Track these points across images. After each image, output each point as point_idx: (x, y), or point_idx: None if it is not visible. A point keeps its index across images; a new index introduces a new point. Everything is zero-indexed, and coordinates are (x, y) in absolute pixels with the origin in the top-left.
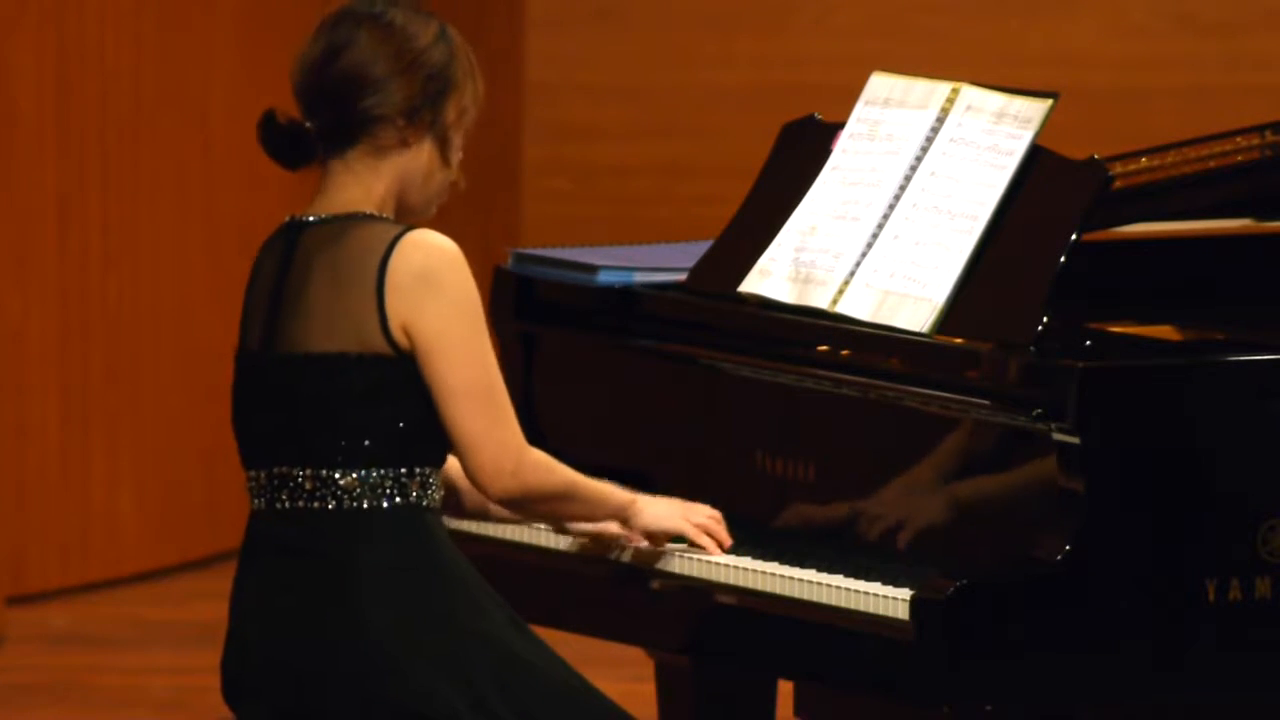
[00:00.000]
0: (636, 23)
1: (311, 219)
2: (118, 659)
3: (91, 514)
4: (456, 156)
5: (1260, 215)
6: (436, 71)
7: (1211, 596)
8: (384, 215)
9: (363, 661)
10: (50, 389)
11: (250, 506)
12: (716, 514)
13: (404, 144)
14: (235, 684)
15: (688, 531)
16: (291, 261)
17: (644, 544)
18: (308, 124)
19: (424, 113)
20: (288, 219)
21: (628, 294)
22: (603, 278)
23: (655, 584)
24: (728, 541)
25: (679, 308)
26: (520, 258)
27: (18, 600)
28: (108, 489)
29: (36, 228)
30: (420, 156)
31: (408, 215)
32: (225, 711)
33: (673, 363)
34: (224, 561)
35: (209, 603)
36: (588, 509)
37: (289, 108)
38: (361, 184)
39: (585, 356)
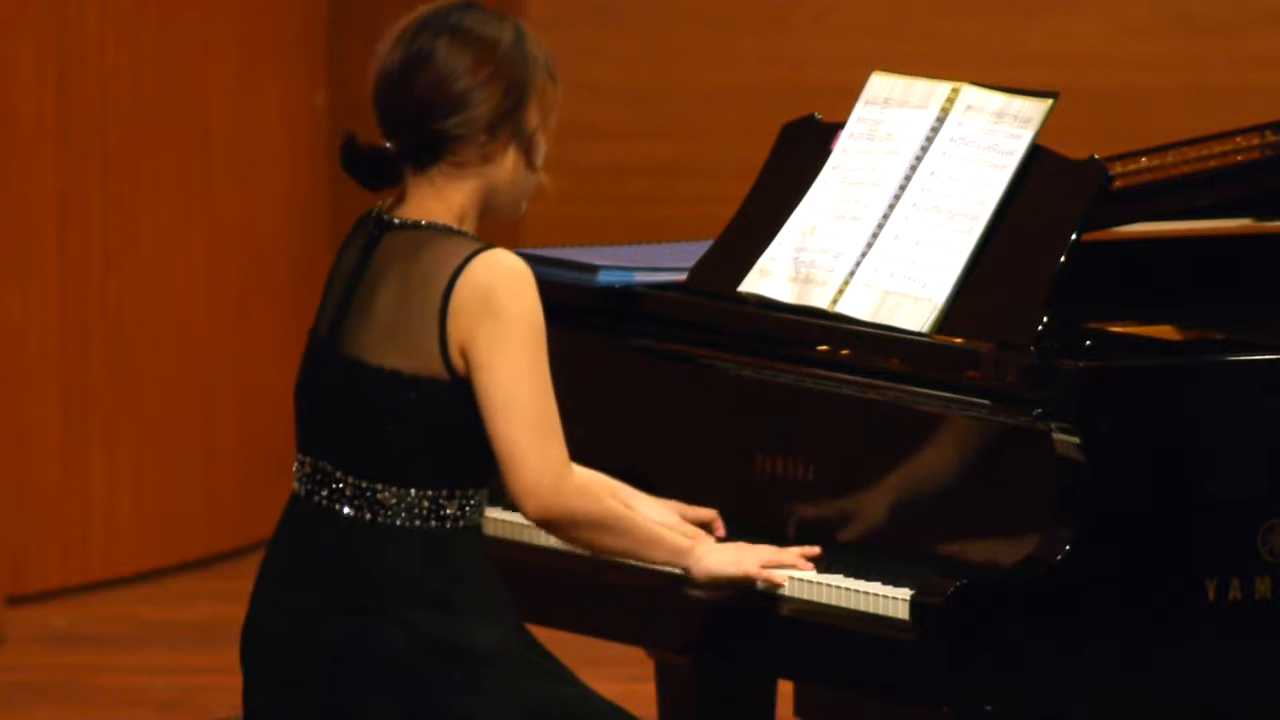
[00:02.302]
0: (636, 23)
1: (395, 221)
2: (118, 659)
3: (91, 514)
4: (541, 157)
5: (1260, 215)
6: (516, 80)
7: (1211, 596)
8: (463, 228)
9: (363, 677)
10: (50, 389)
11: (292, 487)
12: (780, 550)
13: (486, 159)
14: (247, 659)
15: (754, 575)
16: (370, 261)
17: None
18: (388, 144)
19: (506, 124)
20: (375, 212)
21: (628, 294)
22: (603, 278)
23: (655, 584)
24: (804, 566)
25: (679, 308)
26: (520, 258)
27: (18, 600)
28: (108, 489)
29: (36, 228)
30: (503, 167)
31: (495, 216)
32: (225, 711)
33: (673, 363)
34: (224, 561)
35: (209, 603)
36: (634, 547)
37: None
38: (442, 198)
39: (585, 356)
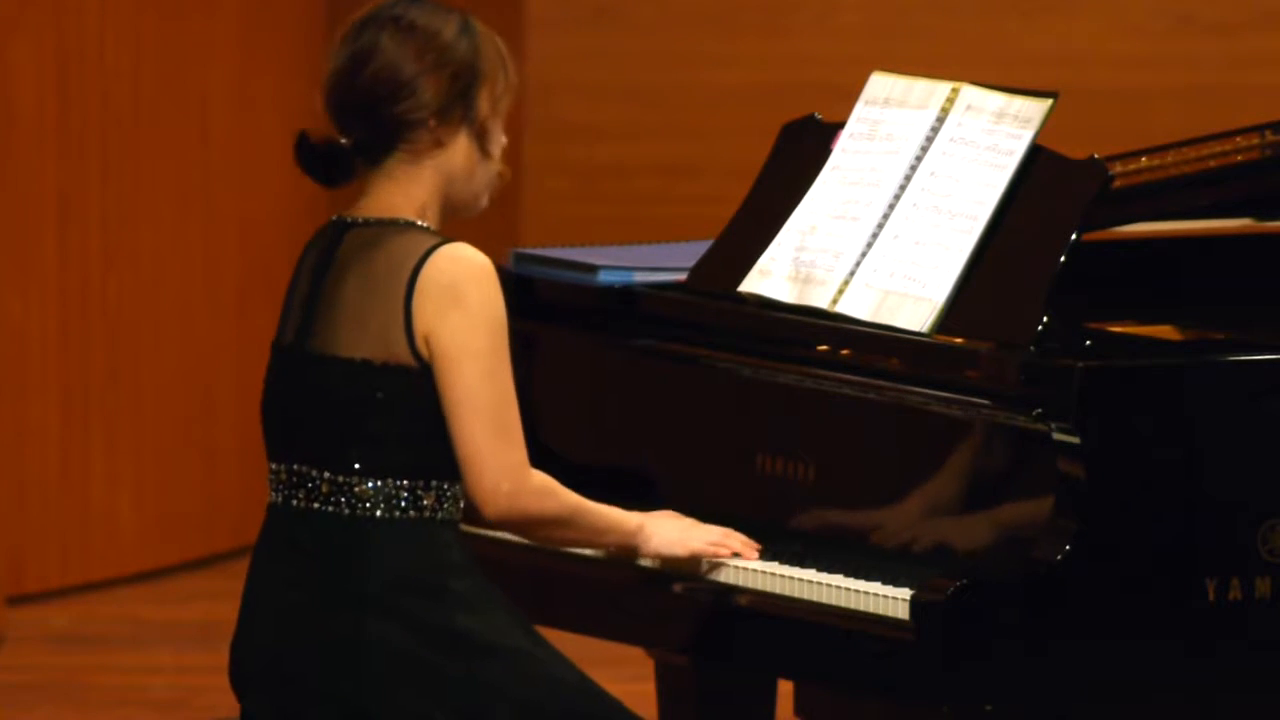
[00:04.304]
0: (636, 23)
1: (356, 220)
2: (118, 659)
3: (91, 514)
4: (498, 147)
5: (1260, 215)
6: (463, 66)
7: (1211, 596)
8: (424, 222)
9: (354, 673)
10: (50, 389)
11: (269, 497)
12: (727, 531)
13: (438, 144)
14: (239, 671)
15: (700, 552)
16: (331, 261)
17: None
18: (343, 140)
19: (455, 109)
20: (335, 217)
21: (628, 294)
22: (603, 278)
23: (655, 584)
24: (748, 555)
25: (679, 308)
26: (520, 257)
27: (18, 600)
28: (108, 489)
29: (36, 228)
30: (458, 154)
31: (457, 211)
32: (225, 711)
33: (673, 363)
34: (224, 561)
35: (209, 603)
36: (590, 536)
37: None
38: (402, 190)
39: (585, 356)
